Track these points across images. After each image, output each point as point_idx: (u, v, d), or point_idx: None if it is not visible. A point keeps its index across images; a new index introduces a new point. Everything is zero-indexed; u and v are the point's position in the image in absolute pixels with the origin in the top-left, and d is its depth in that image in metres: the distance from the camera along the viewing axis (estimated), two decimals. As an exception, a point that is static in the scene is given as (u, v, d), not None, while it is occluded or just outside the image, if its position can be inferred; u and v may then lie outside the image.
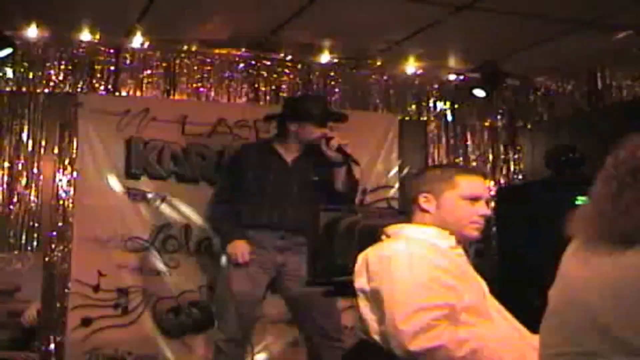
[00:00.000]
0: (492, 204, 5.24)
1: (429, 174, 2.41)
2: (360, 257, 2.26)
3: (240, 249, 3.88)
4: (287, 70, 5.44)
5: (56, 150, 4.92)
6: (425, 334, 1.98)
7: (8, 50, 4.50)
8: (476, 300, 2.15)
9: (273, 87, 5.40)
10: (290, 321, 4.70)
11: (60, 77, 4.95)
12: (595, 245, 1.67)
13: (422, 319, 1.99)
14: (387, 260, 2.14)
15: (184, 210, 5.03)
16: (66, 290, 4.78)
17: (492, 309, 2.22)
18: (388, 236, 2.30)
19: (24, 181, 4.83)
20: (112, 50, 5.05)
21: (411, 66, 5.57)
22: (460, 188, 2.28)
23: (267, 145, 4.13)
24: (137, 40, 4.98)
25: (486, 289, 2.28)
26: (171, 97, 5.21)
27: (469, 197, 2.27)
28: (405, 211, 2.40)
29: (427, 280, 2.06)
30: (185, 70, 5.23)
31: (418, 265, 2.10)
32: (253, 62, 5.34)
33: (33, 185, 4.85)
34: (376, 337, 2.14)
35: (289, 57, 5.36)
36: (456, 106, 5.90)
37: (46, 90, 4.92)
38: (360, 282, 2.21)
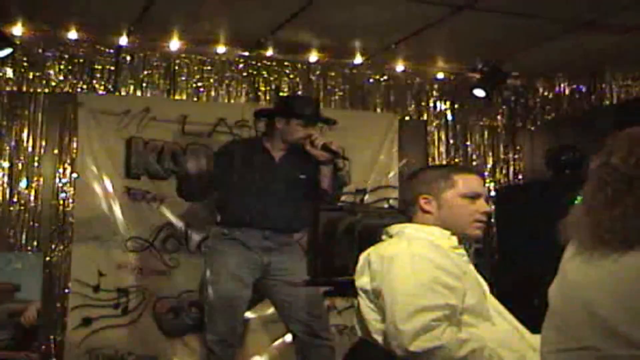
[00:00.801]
0: (492, 204, 5.25)
1: (426, 175, 2.40)
2: (362, 257, 2.25)
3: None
4: (287, 70, 5.44)
5: (56, 150, 4.92)
6: (426, 334, 1.98)
7: (8, 50, 4.50)
8: (477, 301, 2.15)
9: (273, 87, 5.40)
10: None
11: (60, 77, 4.95)
12: (592, 248, 1.69)
13: (423, 319, 1.99)
14: (389, 260, 2.14)
15: (184, 210, 5.03)
16: (66, 290, 4.79)
17: (492, 309, 2.22)
18: (390, 236, 2.30)
19: (24, 181, 4.83)
20: (112, 50, 5.06)
21: (411, 66, 5.57)
22: (459, 186, 2.28)
23: (255, 142, 4.09)
24: (137, 41, 4.98)
25: (487, 289, 2.29)
26: (171, 97, 5.21)
27: (468, 194, 2.28)
28: (405, 211, 2.40)
29: (428, 280, 2.06)
30: (185, 70, 5.23)
31: (420, 265, 2.09)
32: (253, 62, 5.35)
33: (33, 185, 4.85)
34: (377, 337, 2.14)
35: (289, 57, 5.36)
36: (456, 106, 5.90)
37: (46, 90, 4.92)
38: (362, 281, 2.21)
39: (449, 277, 2.09)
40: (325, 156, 3.84)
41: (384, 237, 2.33)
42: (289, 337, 4.89)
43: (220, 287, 3.82)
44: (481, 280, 2.28)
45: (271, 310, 4.92)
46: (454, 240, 2.25)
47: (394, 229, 2.30)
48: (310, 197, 3.83)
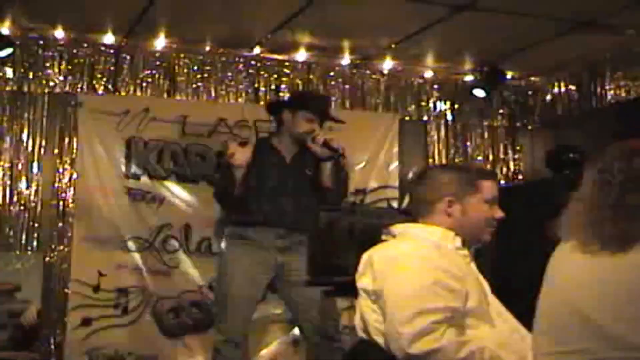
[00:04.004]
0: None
1: (450, 176, 2.32)
2: (364, 257, 2.24)
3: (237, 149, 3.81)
4: (287, 70, 5.44)
5: (56, 150, 4.92)
6: (426, 336, 1.97)
7: (8, 50, 4.51)
8: (478, 303, 2.14)
9: (273, 87, 5.40)
10: (290, 321, 4.70)
11: (60, 77, 4.95)
12: (590, 248, 1.70)
13: (423, 322, 1.98)
14: (392, 261, 2.13)
15: (184, 210, 5.04)
16: (66, 290, 4.78)
17: (493, 310, 2.21)
18: (393, 235, 2.28)
19: (24, 181, 4.83)
20: (112, 50, 5.06)
21: (411, 66, 5.57)
22: (484, 192, 2.29)
23: (266, 143, 4.10)
24: (137, 40, 4.99)
25: (488, 290, 2.28)
26: (171, 97, 5.21)
27: (490, 200, 2.29)
28: (410, 211, 2.37)
29: (430, 282, 2.05)
30: (185, 70, 5.23)
31: (423, 267, 2.08)
32: (253, 62, 5.35)
33: (33, 185, 4.85)
34: (377, 338, 2.13)
35: (289, 57, 5.37)
36: (456, 106, 5.90)
37: (46, 90, 4.92)
38: (363, 281, 2.20)
39: (451, 279, 2.08)
40: (325, 153, 3.84)
41: (384, 236, 2.32)
42: (291, 337, 4.91)
43: (233, 288, 3.81)
44: (483, 281, 2.28)
45: (274, 310, 4.93)
46: (458, 240, 2.24)
47: (397, 228, 2.29)
48: (315, 195, 3.84)
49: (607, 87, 5.37)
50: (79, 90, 4.99)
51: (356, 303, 2.27)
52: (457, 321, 2.05)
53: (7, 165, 4.81)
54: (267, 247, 3.83)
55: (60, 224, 4.86)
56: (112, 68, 5.07)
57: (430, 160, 5.75)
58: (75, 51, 4.97)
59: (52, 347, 4.74)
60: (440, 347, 1.97)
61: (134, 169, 4.99)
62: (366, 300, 2.18)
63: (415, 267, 2.09)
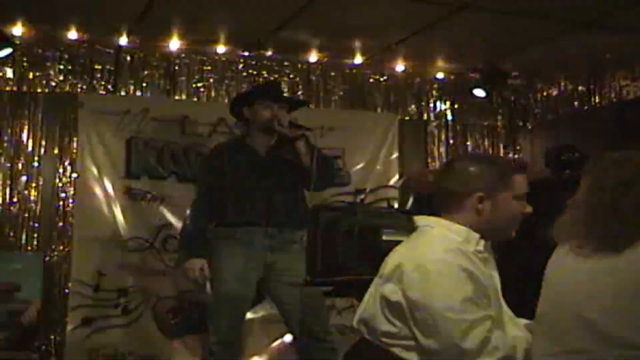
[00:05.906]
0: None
1: (481, 169, 2.13)
2: (392, 261, 2.06)
3: (195, 265, 3.81)
4: (287, 70, 5.44)
5: (56, 150, 4.92)
6: (487, 347, 1.89)
7: (8, 50, 4.51)
8: (498, 308, 2.07)
9: (273, 87, 5.40)
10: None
11: (60, 77, 4.95)
12: (586, 250, 1.74)
13: (479, 334, 1.90)
14: (426, 271, 1.97)
15: (184, 210, 5.03)
16: (66, 290, 4.79)
17: (505, 315, 2.15)
18: (414, 228, 2.14)
19: (24, 181, 4.83)
20: (112, 50, 5.06)
21: (411, 66, 5.58)
22: (515, 187, 2.15)
23: (240, 143, 4.07)
24: (137, 41, 4.99)
25: (500, 293, 2.20)
26: (171, 97, 5.21)
27: (519, 196, 2.15)
28: (442, 203, 2.18)
29: (471, 292, 1.95)
30: (185, 70, 5.23)
31: (461, 278, 1.97)
32: (253, 62, 5.35)
33: (33, 185, 4.85)
34: (395, 349, 2.02)
35: (289, 57, 5.37)
36: (456, 106, 5.90)
37: (46, 91, 4.93)
38: (389, 288, 2.02)
39: (483, 287, 2.00)
40: (294, 132, 3.81)
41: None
42: (288, 338, 4.89)
43: (224, 288, 3.79)
44: (498, 284, 2.16)
45: (271, 310, 4.92)
46: (481, 244, 2.11)
47: (421, 221, 2.14)
48: (303, 184, 3.81)
49: (607, 87, 5.37)
50: (79, 90, 4.99)
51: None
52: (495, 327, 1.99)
53: (7, 165, 4.81)
54: (257, 246, 3.81)
55: (60, 224, 4.86)
56: (112, 68, 5.07)
57: (430, 160, 5.76)
58: (75, 51, 4.98)
59: (52, 347, 4.74)
60: (503, 355, 1.90)
61: (134, 169, 4.99)
62: (384, 308, 2.02)
63: (453, 279, 1.95)
